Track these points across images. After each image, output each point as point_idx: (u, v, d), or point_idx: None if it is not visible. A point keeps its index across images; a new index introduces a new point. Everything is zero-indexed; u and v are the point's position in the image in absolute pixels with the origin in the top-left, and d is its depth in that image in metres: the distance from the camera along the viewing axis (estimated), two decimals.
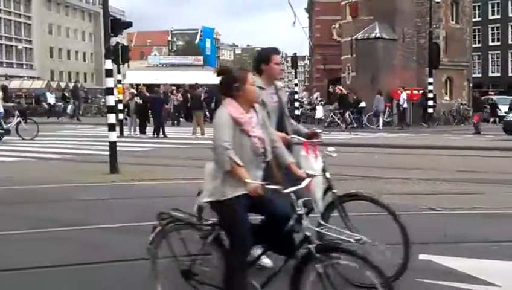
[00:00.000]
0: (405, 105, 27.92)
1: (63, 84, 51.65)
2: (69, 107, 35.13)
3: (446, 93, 33.13)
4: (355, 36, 31.81)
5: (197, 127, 22.00)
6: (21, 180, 10.65)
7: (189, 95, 27.28)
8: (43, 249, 6.00)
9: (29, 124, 20.77)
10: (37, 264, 5.37)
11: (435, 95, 29.43)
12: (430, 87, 28.68)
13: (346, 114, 26.85)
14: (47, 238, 6.46)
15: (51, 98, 36.84)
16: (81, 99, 36.52)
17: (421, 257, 5.34)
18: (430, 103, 28.86)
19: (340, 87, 30.24)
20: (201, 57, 62.61)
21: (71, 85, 45.56)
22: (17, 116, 20.62)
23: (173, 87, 33.04)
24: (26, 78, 56.91)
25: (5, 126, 19.77)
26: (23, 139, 19.77)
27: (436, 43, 29.75)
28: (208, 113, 27.42)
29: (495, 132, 23.56)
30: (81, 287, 4.94)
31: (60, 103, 37.78)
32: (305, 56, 78.98)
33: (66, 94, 37.59)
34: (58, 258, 5.62)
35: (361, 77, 30.91)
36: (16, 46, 73.09)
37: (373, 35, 30.65)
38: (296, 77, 42.14)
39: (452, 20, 33.03)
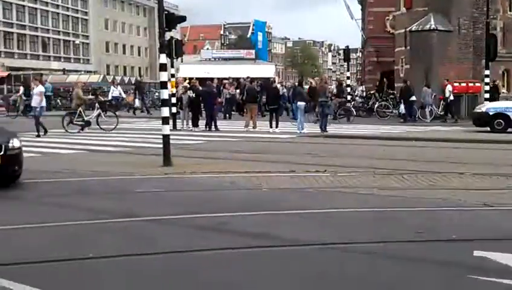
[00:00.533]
0: (451, 97, 27.21)
1: (118, 78, 52.61)
2: (137, 101, 35.91)
3: (503, 86, 32.26)
4: (410, 28, 31.28)
5: (250, 120, 22.14)
6: (78, 172, 10.98)
7: (246, 87, 27.24)
8: (96, 240, 6.16)
9: (109, 117, 21.64)
10: (91, 255, 5.49)
11: (491, 87, 28.63)
12: (487, 80, 27.94)
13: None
14: (101, 229, 6.65)
15: (115, 92, 37.58)
16: (143, 93, 37.39)
17: (476, 253, 5.27)
18: (487, 96, 28.09)
19: (311, 80, 29.55)
20: (253, 51, 62.54)
21: (126, 79, 46.27)
22: (97, 108, 21.63)
23: (225, 81, 33.25)
24: (83, 73, 58.30)
25: (86, 118, 20.70)
26: (104, 130, 20.64)
27: (493, 34, 28.95)
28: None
29: None
30: (127, 278, 5.00)
31: (124, 97, 38.34)
32: (357, 48, 78.15)
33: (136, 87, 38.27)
34: (109, 249, 5.74)
35: (415, 69, 30.38)
36: (74, 41, 74.96)
37: (428, 26, 30.04)
38: (348, 70, 41.93)
39: (510, 10, 32.15)
